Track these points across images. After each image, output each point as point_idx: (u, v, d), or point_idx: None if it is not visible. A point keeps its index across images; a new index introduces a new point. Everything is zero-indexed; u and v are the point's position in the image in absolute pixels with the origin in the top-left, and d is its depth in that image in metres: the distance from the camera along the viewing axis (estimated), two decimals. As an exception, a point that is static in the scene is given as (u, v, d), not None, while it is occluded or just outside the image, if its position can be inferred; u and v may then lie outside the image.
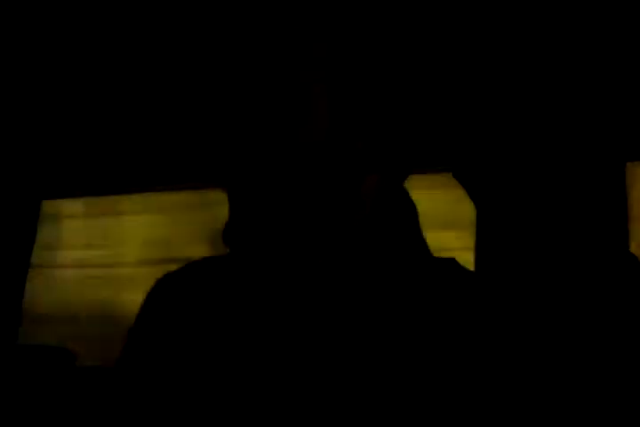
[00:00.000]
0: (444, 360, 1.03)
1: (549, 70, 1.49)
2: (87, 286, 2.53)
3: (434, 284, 1.06)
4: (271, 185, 1.07)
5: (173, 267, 1.16)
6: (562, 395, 1.23)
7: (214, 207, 2.23)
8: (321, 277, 1.09)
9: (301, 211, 1.07)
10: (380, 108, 1.14)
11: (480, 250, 1.55)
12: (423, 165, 1.82)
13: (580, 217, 1.44)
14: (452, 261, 1.11)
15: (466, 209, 1.60)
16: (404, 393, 1.03)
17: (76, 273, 2.62)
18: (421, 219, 1.13)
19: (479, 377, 1.04)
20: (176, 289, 1.14)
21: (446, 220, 1.95)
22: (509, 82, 1.52)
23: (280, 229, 1.07)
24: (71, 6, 1.71)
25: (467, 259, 1.48)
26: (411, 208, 1.13)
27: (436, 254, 1.12)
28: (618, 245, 1.43)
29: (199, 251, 2.33)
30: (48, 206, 2.28)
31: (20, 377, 1.93)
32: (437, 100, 1.59)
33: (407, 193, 1.12)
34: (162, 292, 1.15)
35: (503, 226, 1.50)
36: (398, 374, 1.04)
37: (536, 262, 1.45)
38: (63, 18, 1.75)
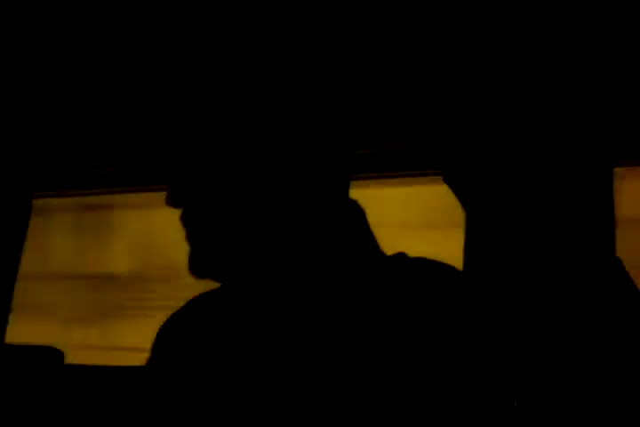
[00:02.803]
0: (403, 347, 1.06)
1: (535, 77, 1.50)
2: (76, 285, 2.53)
3: (389, 278, 1.11)
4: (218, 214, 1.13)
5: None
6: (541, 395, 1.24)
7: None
8: (291, 288, 1.14)
9: (252, 232, 1.12)
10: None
11: (468, 254, 1.55)
12: (414, 168, 1.83)
13: (568, 221, 1.45)
14: (402, 255, 1.16)
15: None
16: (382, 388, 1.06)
17: (66, 272, 2.61)
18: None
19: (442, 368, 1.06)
20: (183, 322, 1.24)
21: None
22: (497, 88, 1.52)
23: (241, 256, 1.13)
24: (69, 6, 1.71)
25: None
26: (358, 211, 1.18)
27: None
28: (604, 249, 1.44)
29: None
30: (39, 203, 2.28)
31: (8, 376, 1.93)
32: (428, 104, 1.60)
33: (351, 199, 1.19)
34: (171, 325, 1.25)
35: (492, 230, 1.51)
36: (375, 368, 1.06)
37: (523, 265, 1.45)
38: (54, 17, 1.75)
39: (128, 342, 2.46)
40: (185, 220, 1.14)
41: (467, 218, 1.55)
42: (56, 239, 2.68)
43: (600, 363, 1.35)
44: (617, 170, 1.52)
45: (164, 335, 1.25)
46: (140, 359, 1.30)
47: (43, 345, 1.99)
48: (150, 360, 1.24)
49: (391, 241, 1.22)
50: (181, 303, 1.28)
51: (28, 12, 1.70)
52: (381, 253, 1.18)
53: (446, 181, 1.57)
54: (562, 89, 1.49)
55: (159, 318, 1.28)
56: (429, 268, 1.14)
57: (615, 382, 1.33)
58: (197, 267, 1.13)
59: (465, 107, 1.55)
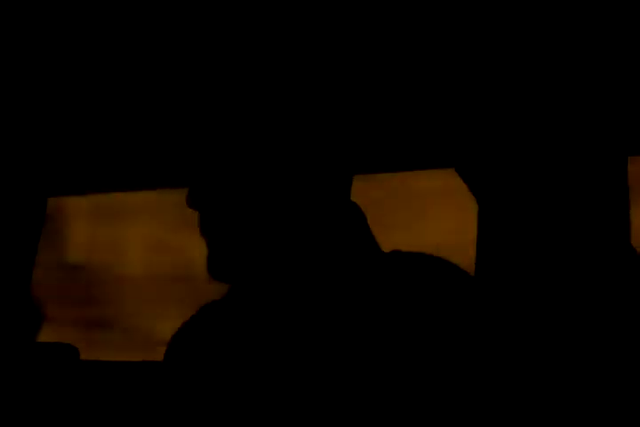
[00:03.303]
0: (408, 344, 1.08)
1: (549, 65, 1.50)
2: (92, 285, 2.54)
3: (389, 277, 1.13)
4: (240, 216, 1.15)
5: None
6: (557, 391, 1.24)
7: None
8: (296, 292, 1.17)
9: (270, 236, 1.16)
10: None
11: (482, 244, 1.55)
12: (426, 161, 1.83)
13: (581, 211, 1.45)
14: (398, 252, 1.20)
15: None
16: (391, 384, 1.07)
17: (81, 273, 2.62)
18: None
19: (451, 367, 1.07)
20: (196, 329, 1.28)
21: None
22: (509, 77, 1.52)
23: (260, 259, 1.16)
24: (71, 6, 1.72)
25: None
26: (357, 211, 1.21)
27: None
28: (619, 239, 1.44)
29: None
30: (53, 204, 2.29)
31: (25, 373, 1.94)
32: (438, 97, 1.60)
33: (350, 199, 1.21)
34: (184, 332, 1.29)
35: (505, 220, 1.51)
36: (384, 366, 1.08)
37: (537, 256, 1.45)
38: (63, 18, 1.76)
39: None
40: (202, 222, 1.16)
41: (479, 208, 1.56)
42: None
43: (613, 356, 1.34)
44: (632, 158, 1.51)
45: (178, 342, 1.27)
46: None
47: (58, 342, 2.00)
48: (164, 366, 1.27)
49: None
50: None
51: (47, 15, 1.71)
52: (380, 253, 1.20)
53: (458, 171, 1.57)
54: (573, 80, 1.49)
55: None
56: (426, 264, 1.16)
57: (629, 375, 1.33)
58: (216, 269, 1.15)
59: (476, 99, 1.55)
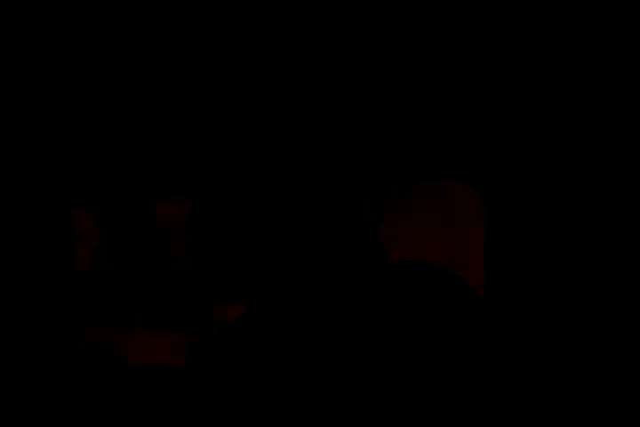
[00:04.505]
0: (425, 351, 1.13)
1: (550, 74, 1.50)
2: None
3: (401, 284, 1.17)
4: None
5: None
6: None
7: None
8: (318, 307, 1.17)
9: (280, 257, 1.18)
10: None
11: (489, 250, 1.55)
12: (432, 174, 1.80)
13: (591, 213, 1.45)
14: (408, 261, 1.21)
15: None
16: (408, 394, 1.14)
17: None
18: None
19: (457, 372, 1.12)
20: (218, 348, 1.27)
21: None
22: (513, 86, 1.52)
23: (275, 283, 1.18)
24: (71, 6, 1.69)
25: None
26: (367, 221, 1.23)
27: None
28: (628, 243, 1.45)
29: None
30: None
31: (69, 375, 1.94)
32: (444, 107, 1.62)
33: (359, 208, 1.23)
34: (207, 352, 1.28)
35: (513, 226, 1.51)
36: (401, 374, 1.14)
37: (544, 262, 1.47)
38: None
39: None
40: (204, 247, 1.20)
41: (486, 215, 1.54)
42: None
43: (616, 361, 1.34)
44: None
45: (201, 361, 1.29)
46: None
47: (100, 345, 2.00)
48: (188, 380, 1.29)
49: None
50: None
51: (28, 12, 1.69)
52: (389, 262, 1.23)
53: (467, 180, 1.57)
54: (573, 90, 1.51)
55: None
56: (431, 274, 1.18)
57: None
58: (222, 293, 1.19)
59: (482, 105, 1.55)
